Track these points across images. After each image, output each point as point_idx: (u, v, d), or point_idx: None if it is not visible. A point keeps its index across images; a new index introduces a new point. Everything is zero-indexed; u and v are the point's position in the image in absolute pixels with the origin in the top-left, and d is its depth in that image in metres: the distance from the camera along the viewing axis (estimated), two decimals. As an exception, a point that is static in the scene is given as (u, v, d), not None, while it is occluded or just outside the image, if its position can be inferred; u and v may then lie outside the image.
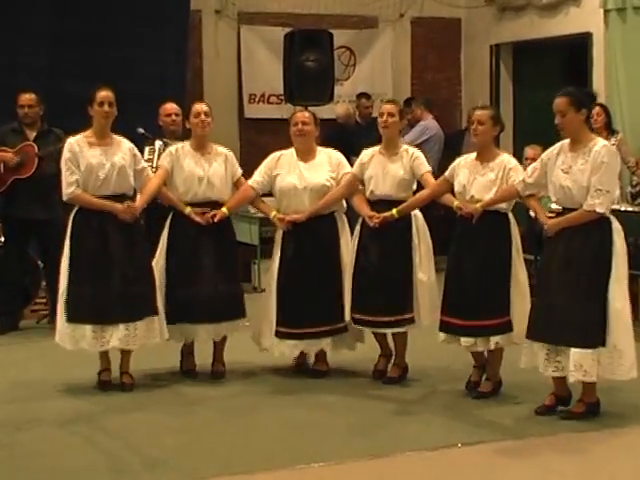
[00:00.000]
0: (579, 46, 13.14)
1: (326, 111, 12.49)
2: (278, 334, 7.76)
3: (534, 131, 11.67)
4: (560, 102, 6.63)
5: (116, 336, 7.29)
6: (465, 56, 15.25)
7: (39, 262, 9.66)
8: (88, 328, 7.26)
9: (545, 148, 7.08)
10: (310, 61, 12.37)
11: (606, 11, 12.36)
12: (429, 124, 12.98)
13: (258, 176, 7.82)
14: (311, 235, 7.71)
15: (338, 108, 13.22)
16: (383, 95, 13.69)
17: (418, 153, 7.79)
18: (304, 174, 7.72)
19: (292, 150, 7.87)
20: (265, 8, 14.05)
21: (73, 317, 7.29)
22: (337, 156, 7.92)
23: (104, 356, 7.53)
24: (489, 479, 5.81)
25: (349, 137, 11.32)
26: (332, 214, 7.81)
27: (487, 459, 6.12)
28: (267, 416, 6.98)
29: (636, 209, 9.68)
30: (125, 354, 7.52)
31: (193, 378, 7.86)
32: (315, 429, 6.69)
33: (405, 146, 7.87)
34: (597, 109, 10.29)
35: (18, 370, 8.08)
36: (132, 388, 7.49)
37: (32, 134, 9.33)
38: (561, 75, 12.75)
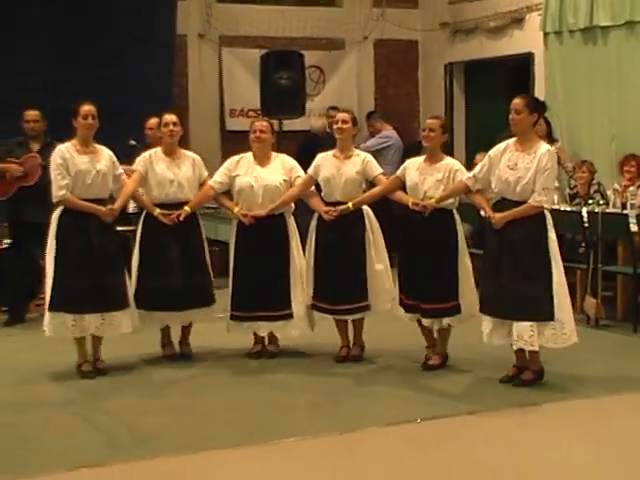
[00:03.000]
0: (522, 64, 13.22)
1: (298, 124, 12.55)
2: (233, 317, 7.85)
3: (483, 139, 11.68)
4: (518, 102, 6.87)
5: (93, 324, 7.30)
6: (422, 74, 15.26)
7: (41, 261, 9.60)
8: (69, 317, 7.25)
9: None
10: (283, 79, 12.37)
11: (545, 34, 12.48)
12: (388, 134, 13.13)
13: (218, 177, 7.88)
14: (264, 231, 7.74)
15: (316, 121, 13.29)
16: (356, 109, 13.75)
17: (370, 158, 7.88)
18: (260, 176, 7.77)
19: (250, 154, 7.92)
20: (243, 32, 14.02)
21: (56, 306, 7.25)
22: (290, 161, 8.00)
23: (83, 348, 7.49)
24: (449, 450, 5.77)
25: (322, 145, 11.39)
26: (282, 214, 7.85)
27: (445, 432, 6.13)
28: (232, 395, 7.02)
29: (574, 209, 9.72)
30: (97, 341, 7.51)
31: (173, 361, 7.89)
32: (280, 406, 6.73)
33: (357, 151, 7.91)
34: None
35: (22, 358, 8.06)
36: (106, 372, 7.49)
37: (36, 146, 9.34)
38: (507, 90, 12.73)
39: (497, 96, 12.65)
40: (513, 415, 6.45)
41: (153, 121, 9.34)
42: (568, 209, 9.76)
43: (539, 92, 12.50)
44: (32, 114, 9.44)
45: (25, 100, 9.84)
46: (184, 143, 8.51)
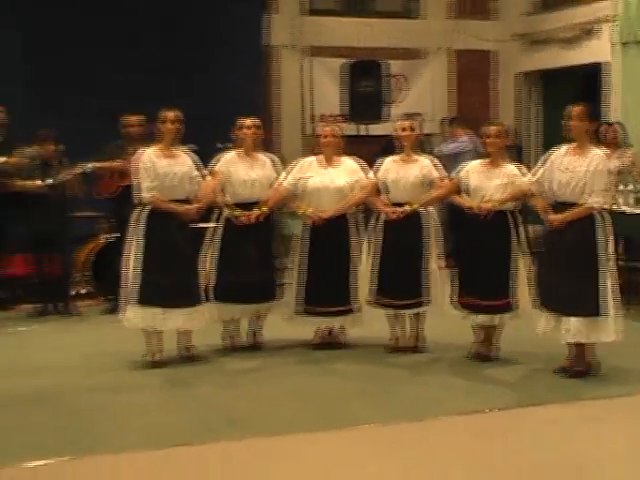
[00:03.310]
0: (592, 73, 13.15)
1: (382, 129, 12.66)
2: (298, 312, 7.93)
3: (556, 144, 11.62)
4: (577, 109, 7.01)
5: (179, 318, 7.43)
6: (495, 83, 15.22)
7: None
8: (158, 310, 7.36)
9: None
10: (365, 87, 12.50)
11: (614, 44, 12.44)
12: (465, 139, 13.11)
13: (291, 178, 7.91)
14: (329, 230, 7.81)
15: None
16: (432, 115, 13.86)
17: (431, 162, 7.96)
18: (328, 177, 7.85)
19: (320, 157, 8.00)
20: (328, 42, 14.13)
21: (147, 300, 7.34)
22: (355, 164, 8.01)
23: (154, 340, 7.58)
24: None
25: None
26: (345, 214, 7.91)
27: (508, 423, 6.15)
28: (300, 383, 7.13)
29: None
30: (183, 334, 7.66)
31: (243, 352, 7.97)
32: (346, 395, 6.79)
33: (416, 156, 7.96)
34: (612, 126, 10.65)
35: (124, 344, 8.04)
36: (195, 359, 7.65)
37: (134, 150, 9.49)
38: (577, 98, 12.66)
39: (567, 104, 12.57)
40: (572, 407, 6.43)
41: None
42: (637, 212, 9.70)
43: (610, 100, 12.48)
44: (133, 119, 9.62)
45: (126, 106, 10.02)
46: (269, 146, 8.67)
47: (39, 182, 9.68)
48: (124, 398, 6.73)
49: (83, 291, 10.41)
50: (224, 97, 11.56)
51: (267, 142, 8.31)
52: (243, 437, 5.76)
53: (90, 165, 9.42)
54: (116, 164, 9.47)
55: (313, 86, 14.15)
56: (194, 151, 8.53)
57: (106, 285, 9.75)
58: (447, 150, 12.63)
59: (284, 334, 8.23)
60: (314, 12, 14.30)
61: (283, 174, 7.98)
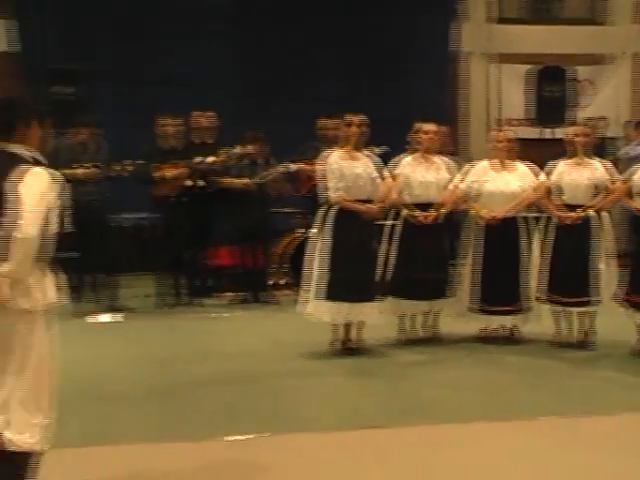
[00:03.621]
0: None
1: (562, 132, 12.44)
2: (471, 309, 7.92)
3: None
4: None
5: (360, 312, 7.50)
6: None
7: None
8: (345, 305, 7.44)
9: None
10: (550, 92, 12.35)
11: None
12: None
13: (467, 181, 7.91)
14: (501, 231, 7.77)
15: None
16: (616, 118, 13.57)
17: (603, 164, 7.82)
18: (503, 182, 7.81)
19: (494, 161, 7.94)
20: (516, 49, 13.99)
21: (330, 296, 7.43)
22: (526, 168, 7.94)
23: (340, 331, 7.69)
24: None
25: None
26: (516, 216, 7.87)
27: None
28: (473, 373, 7.14)
29: None
30: (359, 326, 7.71)
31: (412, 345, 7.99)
32: (518, 386, 6.77)
33: (589, 159, 7.84)
34: None
35: (305, 334, 8.18)
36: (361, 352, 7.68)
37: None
38: None
39: None
40: None
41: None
42: None
43: None
44: (329, 123, 9.63)
45: (319, 109, 10.22)
46: (456, 148, 8.70)
47: (247, 180, 10.08)
48: (315, 382, 6.89)
49: (281, 282, 10.74)
50: (413, 102, 11.62)
51: (454, 144, 8.33)
52: (432, 422, 5.82)
53: (292, 165, 9.68)
54: (313, 165, 9.68)
55: (500, 91, 14.05)
56: (385, 153, 8.70)
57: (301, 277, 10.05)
58: (634, 153, 12.24)
59: (453, 330, 8.24)
60: (502, 20, 14.17)
61: (458, 176, 7.99)
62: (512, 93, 14.03)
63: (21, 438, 4.03)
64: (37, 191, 3.97)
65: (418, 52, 12.76)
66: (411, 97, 12.13)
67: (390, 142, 8.25)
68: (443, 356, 7.70)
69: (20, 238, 3.88)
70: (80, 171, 9.48)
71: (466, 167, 8.12)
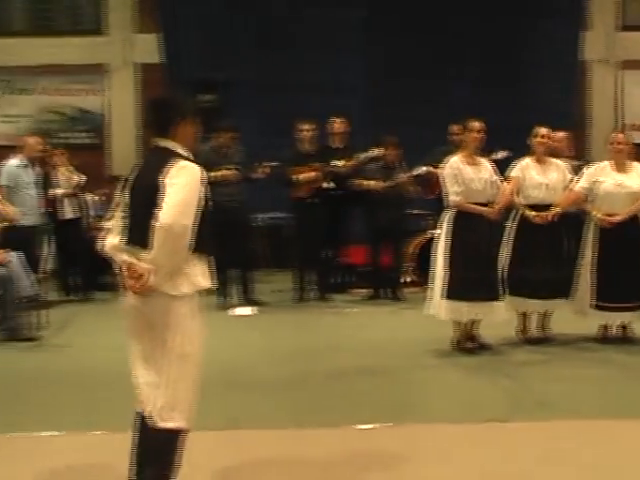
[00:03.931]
0: None
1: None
2: (595, 307, 7.72)
3: None
4: None
5: (482, 310, 7.42)
6: None
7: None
8: (463, 304, 7.38)
9: None
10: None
11: None
12: None
13: (584, 183, 7.74)
14: (621, 230, 7.60)
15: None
16: None
17: None
18: (621, 182, 7.62)
19: (611, 162, 7.77)
20: (634, 56, 13.66)
21: (453, 295, 7.38)
22: None
23: (463, 328, 7.60)
24: None
25: None
26: (636, 216, 7.68)
27: None
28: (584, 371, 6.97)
29: None
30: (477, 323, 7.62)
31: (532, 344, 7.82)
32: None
33: None
34: None
35: (413, 331, 8.28)
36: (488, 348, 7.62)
37: None
38: None
39: None
40: None
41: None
42: None
43: None
44: (456, 128, 9.61)
45: (449, 115, 10.17)
46: (582, 153, 8.58)
47: (379, 183, 10.15)
48: (439, 376, 6.90)
49: (408, 279, 10.77)
50: (539, 108, 11.46)
51: (576, 149, 8.21)
52: (552, 418, 5.72)
53: (423, 169, 9.69)
54: (434, 171, 9.68)
55: (623, 97, 13.75)
56: (507, 158, 8.62)
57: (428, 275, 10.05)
58: None
59: (563, 330, 8.06)
60: (627, 28, 13.85)
61: (576, 178, 7.86)
62: (636, 99, 13.69)
63: (170, 417, 4.15)
64: (181, 183, 4.06)
65: (545, 60, 12.62)
66: (538, 103, 11.97)
67: (517, 147, 8.14)
68: (559, 354, 7.57)
69: (158, 227, 3.97)
70: (223, 173, 9.71)
71: (585, 170, 7.98)
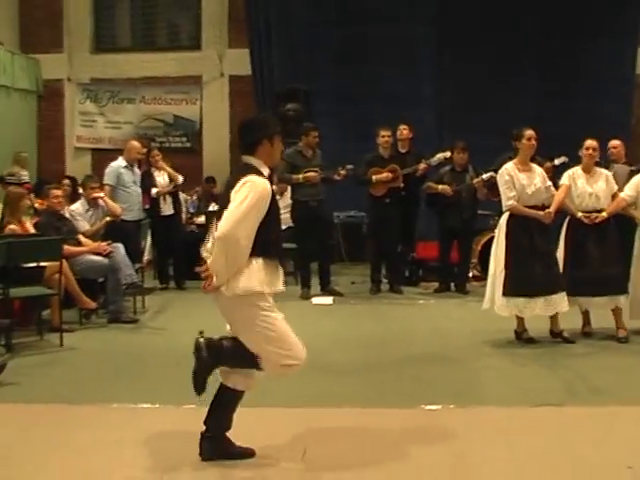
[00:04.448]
0: None
1: None
2: None
3: None
4: None
5: (539, 305, 7.28)
6: None
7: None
8: (520, 300, 7.27)
9: None
10: None
11: None
12: None
13: (631, 190, 7.61)
14: None
15: None
16: None
17: None
18: None
19: None
20: None
21: (510, 292, 7.26)
22: None
23: (522, 321, 7.48)
24: None
25: None
26: None
27: None
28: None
29: None
30: (555, 317, 7.46)
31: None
32: None
33: None
34: None
35: (472, 324, 8.25)
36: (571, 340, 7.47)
37: None
38: None
39: None
40: None
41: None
42: None
43: None
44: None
45: (515, 124, 10.10)
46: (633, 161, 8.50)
47: (448, 187, 10.14)
48: (499, 364, 6.85)
49: (471, 274, 10.73)
50: (597, 119, 11.23)
51: (633, 156, 8.08)
52: (603, 404, 5.66)
53: (489, 174, 9.63)
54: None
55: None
56: (562, 163, 8.51)
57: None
58: None
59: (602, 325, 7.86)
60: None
61: (615, 187, 7.72)
62: None
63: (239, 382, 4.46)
64: (240, 198, 4.24)
65: (603, 74, 12.37)
66: (596, 114, 11.75)
67: (577, 154, 8.03)
68: (610, 346, 7.42)
69: (216, 237, 4.24)
70: (306, 175, 9.82)
71: (633, 179, 7.83)
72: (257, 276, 4.32)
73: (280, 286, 4.46)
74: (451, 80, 12.70)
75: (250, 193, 4.23)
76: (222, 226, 4.19)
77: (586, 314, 7.83)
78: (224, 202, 4.34)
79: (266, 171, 4.43)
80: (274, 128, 4.55)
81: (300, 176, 9.82)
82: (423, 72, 12.86)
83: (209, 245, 4.44)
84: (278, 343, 4.40)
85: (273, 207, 4.36)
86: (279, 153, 4.60)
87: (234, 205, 4.21)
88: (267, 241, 4.32)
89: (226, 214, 4.21)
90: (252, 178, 4.29)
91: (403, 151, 10.52)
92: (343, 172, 9.97)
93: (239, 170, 4.43)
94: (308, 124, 10.29)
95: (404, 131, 10.49)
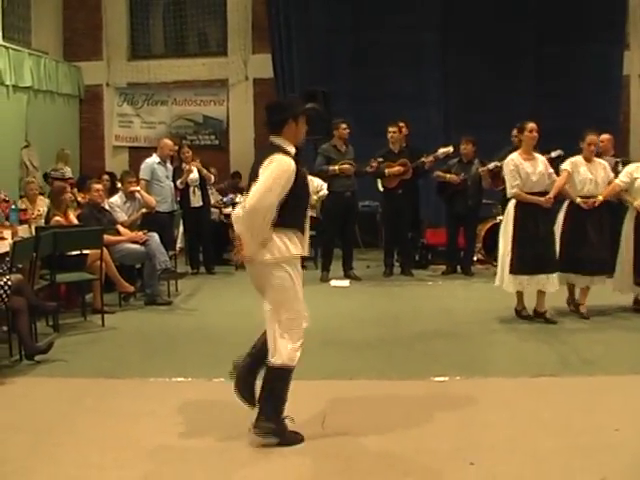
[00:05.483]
0: None
1: None
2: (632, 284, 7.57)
3: None
4: None
5: (541, 282, 7.28)
6: None
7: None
8: (524, 277, 7.27)
9: None
10: None
11: None
12: None
13: (625, 177, 7.59)
14: None
15: None
16: None
17: None
18: None
19: None
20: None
21: (516, 270, 7.27)
22: None
23: (522, 299, 7.48)
24: None
25: None
26: None
27: None
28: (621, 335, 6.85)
29: None
30: (542, 295, 7.42)
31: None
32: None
33: None
34: None
35: (498, 299, 8.05)
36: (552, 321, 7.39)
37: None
38: None
39: None
40: None
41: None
42: None
43: None
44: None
45: (513, 121, 9.98)
46: (616, 153, 8.48)
47: (455, 177, 10.14)
48: (501, 339, 6.84)
49: (474, 258, 10.69)
50: (588, 115, 11.10)
51: (617, 149, 8.01)
52: (594, 374, 5.67)
53: (493, 164, 9.58)
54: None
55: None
56: (558, 156, 8.45)
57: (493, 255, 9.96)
58: None
59: (596, 302, 7.78)
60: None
61: (611, 175, 7.70)
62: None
63: (279, 356, 4.33)
64: (267, 173, 4.22)
65: (593, 75, 12.31)
66: (587, 111, 11.64)
67: (570, 147, 7.97)
68: (602, 322, 7.41)
69: (245, 210, 4.21)
70: (341, 167, 9.85)
71: (626, 167, 7.84)
72: (292, 241, 4.32)
73: (305, 251, 4.44)
74: (456, 82, 12.68)
75: (275, 170, 4.22)
76: (249, 199, 4.19)
77: (572, 289, 7.83)
78: (253, 177, 4.32)
79: (292, 150, 4.40)
80: (298, 108, 4.52)
81: (336, 167, 9.83)
82: (430, 74, 12.82)
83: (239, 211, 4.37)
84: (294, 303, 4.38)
85: (299, 182, 4.31)
86: (304, 132, 4.53)
87: (261, 180, 4.21)
88: (294, 214, 4.32)
89: (253, 189, 4.22)
90: (278, 157, 4.27)
91: (404, 146, 10.42)
92: (375, 164, 9.95)
93: (267, 149, 4.41)
94: (337, 119, 10.25)
95: (402, 128, 10.44)
